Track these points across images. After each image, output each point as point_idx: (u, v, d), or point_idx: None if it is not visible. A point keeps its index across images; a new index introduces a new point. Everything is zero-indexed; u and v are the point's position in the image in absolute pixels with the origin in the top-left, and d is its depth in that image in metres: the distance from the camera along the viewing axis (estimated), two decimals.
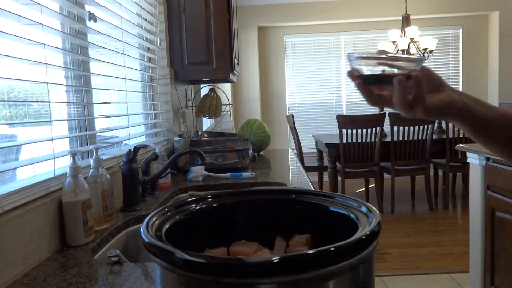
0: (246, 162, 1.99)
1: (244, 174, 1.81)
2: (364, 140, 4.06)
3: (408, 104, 0.60)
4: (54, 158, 1.07)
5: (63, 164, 1.12)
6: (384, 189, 4.50)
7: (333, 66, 6.10)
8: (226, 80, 2.40)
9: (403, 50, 4.70)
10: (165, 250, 0.42)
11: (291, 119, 4.65)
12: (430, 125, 4.06)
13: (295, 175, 1.86)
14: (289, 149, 2.85)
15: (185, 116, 2.48)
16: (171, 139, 2.16)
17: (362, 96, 0.65)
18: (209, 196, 0.61)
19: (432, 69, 0.66)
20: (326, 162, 4.42)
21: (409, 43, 4.68)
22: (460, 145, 2.37)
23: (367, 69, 0.61)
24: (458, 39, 5.97)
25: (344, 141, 4.03)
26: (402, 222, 4.03)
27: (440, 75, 0.65)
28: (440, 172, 4.97)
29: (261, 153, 2.60)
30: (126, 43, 1.69)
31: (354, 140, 4.04)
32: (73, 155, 1.04)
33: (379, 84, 0.62)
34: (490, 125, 0.65)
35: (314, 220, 0.59)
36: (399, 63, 0.60)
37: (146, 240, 0.45)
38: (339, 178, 4.23)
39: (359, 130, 4.01)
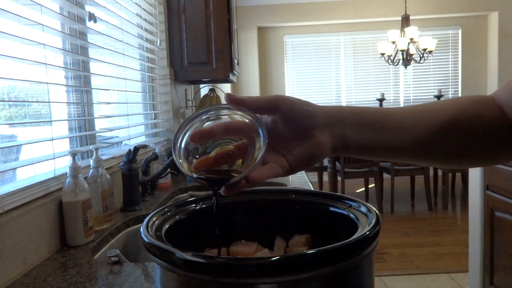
0: None
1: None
2: None
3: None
4: (54, 158, 1.07)
5: (63, 164, 1.12)
6: (384, 189, 4.50)
7: (333, 66, 6.10)
8: (226, 80, 2.40)
9: (402, 50, 4.71)
10: (165, 250, 0.42)
11: None
12: None
13: (295, 175, 1.86)
14: None
15: (185, 116, 2.48)
16: (171, 139, 2.16)
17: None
18: (209, 196, 0.61)
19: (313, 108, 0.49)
20: (325, 162, 4.42)
21: (408, 43, 4.69)
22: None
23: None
24: (457, 39, 5.97)
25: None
26: (401, 222, 4.03)
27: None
28: (440, 172, 4.97)
29: None
30: (126, 43, 1.69)
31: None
32: (73, 155, 1.04)
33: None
34: (390, 144, 0.51)
35: (314, 220, 0.59)
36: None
37: (146, 240, 0.45)
38: (339, 178, 4.23)
39: None
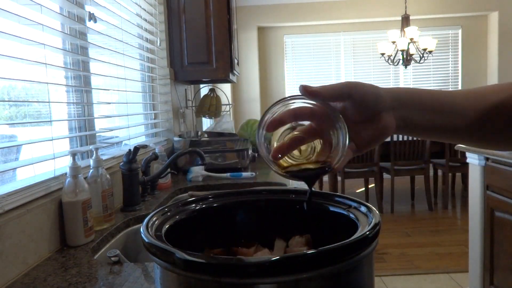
0: (246, 162, 1.99)
1: (244, 174, 1.81)
2: None
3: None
4: (54, 158, 1.07)
5: (63, 164, 1.12)
6: (384, 189, 4.50)
7: (333, 66, 6.10)
8: (226, 80, 2.40)
9: (402, 50, 4.71)
10: (165, 250, 0.42)
11: None
12: None
13: None
14: None
15: (185, 116, 2.48)
16: (171, 139, 2.16)
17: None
18: (209, 196, 0.62)
19: (377, 86, 0.53)
20: None
21: (408, 43, 4.69)
22: (460, 145, 2.37)
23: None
24: (457, 39, 5.97)
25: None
26: (401, 222, 4.03)
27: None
28: (440, 172, 4.97)
29: None
30: (126, 43, 1.69)
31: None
32: (73, 155, 1.04)
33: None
34: (451, 127, 0.54)
35: (314, 220, 0.59)
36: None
37: (146, 240, 0.45)
38: (339, 178, 4.23)
39: None
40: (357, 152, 0.51)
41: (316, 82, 6.12)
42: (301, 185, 1.66)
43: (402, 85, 6.06)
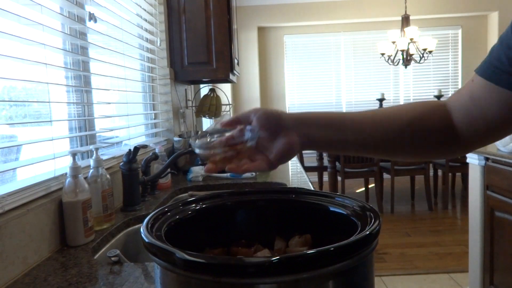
0: None
1: (244, 174, 1.81)
2: None
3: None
4: (54, 158, 1.07)
5: (63, 164, 1.12)
6: (384, 189, 4.50)
7: (333, 66, 6.10)
8: (226, 80, 2.40)
9: (402, 50, 4.71)
10: (165, 250, 0.42)
11: None
12: None
13: (295, 175, 1.86)
14: None
15: (185, 116, 2.48)
16: (171, 139, 2.16)
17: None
18: (209, 196, 0.62)
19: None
20: (326, 162, 4.42)
21: (408, 43, 4.69)
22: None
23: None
24: (457, 39, 5.97)
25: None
26: (401, 222, 4.03)
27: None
28: (440, 172, 4.97)
29: None
30: (126, 43, 1.69)
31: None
32: (73, 155, 1.04)
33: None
34: (353, 142, 0.62)
35: (314, 220, 0.59)
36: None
37: (146, 240, 0.45)
38: (339, 178, 4.23)
39: None
40: (272, 167, 0.60)
41: (316, 82, 6.12)
42: (301, 185, 1.65)
43: (402, 85, 6.06)
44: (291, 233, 0.59)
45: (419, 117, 0.62)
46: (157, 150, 1.67)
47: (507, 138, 1.99)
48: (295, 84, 6.15)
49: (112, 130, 1.57)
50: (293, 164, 2.16)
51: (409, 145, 0.64)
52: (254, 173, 1.83)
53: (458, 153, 0.66)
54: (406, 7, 4.88)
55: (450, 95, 0.76)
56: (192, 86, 2.81)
